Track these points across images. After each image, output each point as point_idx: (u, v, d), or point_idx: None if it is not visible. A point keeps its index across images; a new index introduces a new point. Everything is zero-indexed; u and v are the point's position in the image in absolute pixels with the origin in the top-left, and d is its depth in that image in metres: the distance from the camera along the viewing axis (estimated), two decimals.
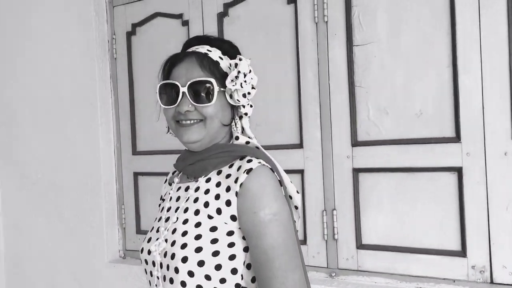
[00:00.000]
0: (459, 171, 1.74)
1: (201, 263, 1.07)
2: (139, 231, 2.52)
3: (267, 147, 2.04)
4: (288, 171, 2.00)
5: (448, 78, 1.75)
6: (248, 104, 1.24)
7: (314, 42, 1.98)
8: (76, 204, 2.59)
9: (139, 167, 2.52)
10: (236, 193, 1.11)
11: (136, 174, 2.53)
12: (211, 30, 2.21)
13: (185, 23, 2.32)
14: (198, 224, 1.11)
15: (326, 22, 1.96)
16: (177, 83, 1.16)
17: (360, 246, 1.92)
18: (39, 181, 2.72)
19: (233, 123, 1.24)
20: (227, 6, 2.20)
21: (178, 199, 1.23)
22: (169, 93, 1.19)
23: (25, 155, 2.78)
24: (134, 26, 2.50)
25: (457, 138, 1.74)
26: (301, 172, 2.03)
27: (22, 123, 2.78)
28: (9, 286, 2.89)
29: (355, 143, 1.92)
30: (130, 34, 2.52)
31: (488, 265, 1.71)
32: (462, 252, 1.75)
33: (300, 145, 2.03)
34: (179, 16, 2.34)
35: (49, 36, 2.66)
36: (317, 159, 1.99)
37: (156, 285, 1.16)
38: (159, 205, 1.36)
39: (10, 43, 2.82)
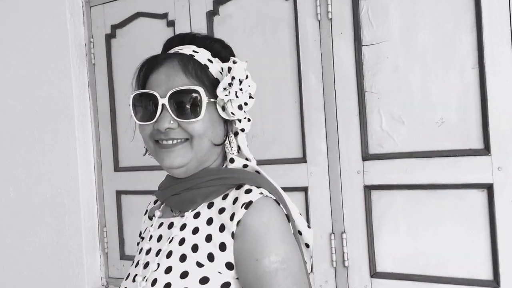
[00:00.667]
0: (489, 188, 1.52)
1: None
2: (123, 256, 2.28)
3: (265, 162, 1.83)
4: (289, 189, 1.80)
5: (473, 81, 1.54)
6: (245, 118, 1.01)
7: (317, 42, 1.77)
8: (53, 227, 2.36)
9: (122, 185, 2.29)
10: (233, 234, 0.87)
11: (118, 193, 2.31)
12: (200, 31, 1.96)
13: (171, 24, 2.11)
14: (184, 274, 0.88)
15: (330, 19, 1.75)
16: (155, 93, 0.92)
17: (374, 274, 1.70)
18: (11, 202, 2.48)
19: (226, 142, 1.01)
20: (217, 3, 1.98)
21: (159, 238, 0.99)
22: (145, 105, 0.95)
23: None
24: (114, 28, 2.29)
25: (486, 150, 1.52)
26: (304, 189, 1.81)
27: None
28: None
29: (366, 156, 1.71)
30: (109, 37, 2.31)
31: None
32: (494, 282, 1.53)
33: (303, 159, 1.81)
34: (164, 16, 2.13)
35: (19, 40, 2.44)
36: (323, 175, 1.77)
37: None
38: (138, 243, 1.10)
39: None
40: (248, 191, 0.91)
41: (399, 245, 1.66)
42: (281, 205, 0.93)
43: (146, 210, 1.16)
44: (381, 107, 1.67)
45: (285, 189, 1.75)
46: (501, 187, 1.50)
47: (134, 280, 0.96)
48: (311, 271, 1.76)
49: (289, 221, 0.93)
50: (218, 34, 1.98)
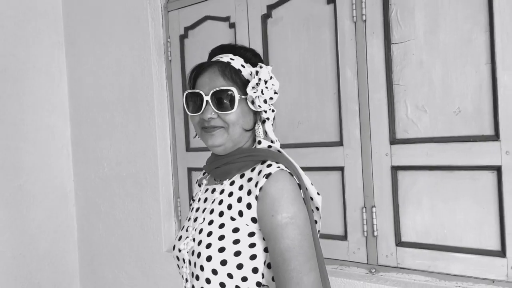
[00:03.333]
0: (498, 169, 1.70)
1: (224, 262, 1.13)
2: None
3: (308, 145, 2.11)
4: (328, 168, 2.07)
5: (486, 75, 1.71)
6: (270, 109, 1.28)
7: (352, 41, 1.99)
8: (137, 197, 2.76)
9: (192, 162, 2.64)
10: (256, 197, 1.15)
11: (189, 170, 2.66)
12: (256, 31, 2.27)
13: (232, 25, 2.40)
14: (221, 225, 1.18)
15: (364, 21, 1.96)
16: (201, 92, 1.22)
17: (399, 243, 1.93)
18: (106, 175, 2.93)
19: (256, 128, 1.28)
20: (270, 8, 2.25)
21: (205, 200, 1.31)
22: (194, 101, 1.25)
23: (94, 152, 2.99)
24: (187, 29, 2.61)
25: (495, 136, 1.70)
26: (341, 169, 2.05)
27: (92, 122, 3.00)
28: (82, 268, 3.14)
29: (394, 141, 1.92)
30: (183, 37, 2.64)
31: None
32: (501, 252, 1.71)
33: (340, 143, 2.05)
34: (227, 18, 2.42)
35: (111, 41, 2.84)
36: (356, 156, 2.00)
37: (186, 280, 1.24)
38: (190, 204, 1.45)
39: (82, 47, 3.03)
40: (269, 166, 1.18)
41: (421, 218, 1.87)
42: (294, 177, 1.21)
43: (197, 180, 1.50)
44: (407, 98, 1.87)
45: (325, 169, 2.02)
46: (509, 169, 1.67)
47: (187, 230, 1.29)
48: (343, 236, 2.03)
49: (300, 189, 1.22)
50: (271, 34, 2.25)
